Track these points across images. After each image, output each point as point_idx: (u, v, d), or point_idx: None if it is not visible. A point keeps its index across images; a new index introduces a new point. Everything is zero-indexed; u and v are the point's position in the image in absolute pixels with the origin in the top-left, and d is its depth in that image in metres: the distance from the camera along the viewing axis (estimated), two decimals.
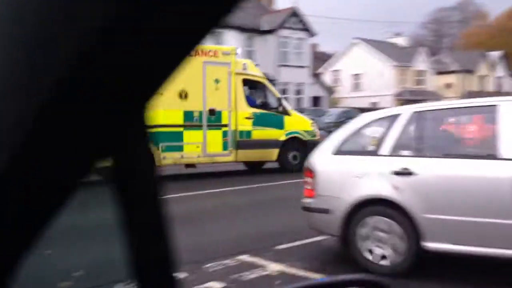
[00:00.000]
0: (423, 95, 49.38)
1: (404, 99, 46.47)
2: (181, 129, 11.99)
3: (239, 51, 13.44)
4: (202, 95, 12.30)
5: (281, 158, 13.49)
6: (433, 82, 53.51)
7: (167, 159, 11.70)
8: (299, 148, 13.50)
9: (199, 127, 12.28)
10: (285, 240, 6.26)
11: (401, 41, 57.14)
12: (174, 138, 11.79)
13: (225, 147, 12.73)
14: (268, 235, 6.57)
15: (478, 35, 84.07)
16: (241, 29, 32.40)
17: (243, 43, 32.18)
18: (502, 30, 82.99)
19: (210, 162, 12.91)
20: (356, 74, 48.86)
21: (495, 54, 61.43)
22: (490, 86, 60.39)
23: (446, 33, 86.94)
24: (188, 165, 12.78)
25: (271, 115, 13.47)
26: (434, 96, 51.61)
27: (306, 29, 35.21)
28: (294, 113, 14.30)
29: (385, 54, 48.50)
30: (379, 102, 42.01)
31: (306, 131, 13.99)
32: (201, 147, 12.36)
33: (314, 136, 14.01)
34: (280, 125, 13.54)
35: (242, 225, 7.21)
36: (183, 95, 11.89)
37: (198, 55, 11.77)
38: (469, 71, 54.57)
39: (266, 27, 33.74)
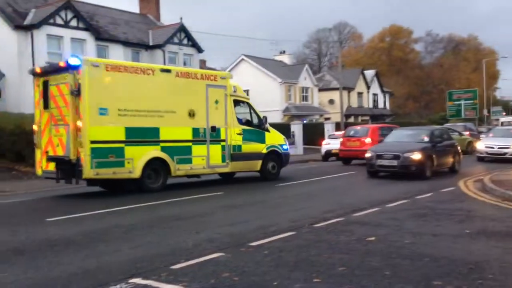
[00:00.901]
0: (309, 111, 51.52)
1: (292, 114, 48.14)
2: (190, 143, 13.56)
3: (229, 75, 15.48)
4: (206, 114, 13.99)
5: (262, 168, 15.63)
6: (318, 98, 56.11)
7: (180, 170, 13.29)
8: (276, 159, 16.04)
9: (204, 142, 13.94)
10: (181, 258, 5.91)
11: (286, 59, 59.31)
12: (185, 152, 13.41)
13: (223, 159, 14.46)
14: (164, 254, 6.18)
15: (354, 54, 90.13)
16: (128, 43, 31.46)
17: (130, 58, 31.22)
18: (374, 51, 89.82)
19: (212, 173, 14.75)
20: (244, 90, 49.58)
21: (370, 73, 66.12)
22: (368, 102, 64.77)
23: (326, 53, 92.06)
24: (190, 176, 14.38)
25: (256, 131, 15.60)
26: (319, 111, 54.11)
27: (193, 45, 35.11)
28: (272, 129, 16.41)
29: (271, 71, 49.93)
30: (267, 117, 42.78)
31: (281, 145, 16.37)
32: (206, 159, 13.99)
33: (287, 149, 16.72)
34: (262, 140, 15.72)
35: (136, 245, 6.70)
36: (191, 114, 13.59)
37: (203, 79, 14.01)
38: (348, 88, 58.06)
39: (153, 42, 33.10)
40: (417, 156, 14.90)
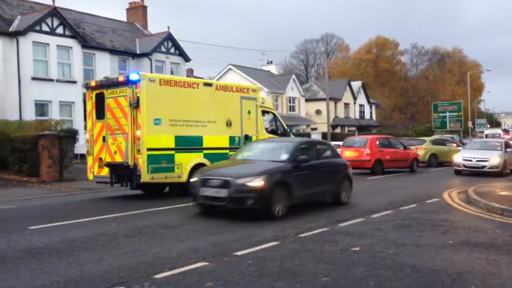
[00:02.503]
0: (296, 121, 51.72)
1: None
2: (228, 151, 14.35)
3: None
4: (240, 124, 15.15)
5: None
6: (304, 109, 56.37)
7: None
8: None
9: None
10: (165, 268, 5.87)
11: (273, 69, 59.60)
12: (224, 158, 13.72)
13: None
14: (146, 263, 6.13)
15: (340, 65, 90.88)
16: (115, 51, 31.36)
17: (117, 66, 31.13)
18: (361, 62, 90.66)
19: None
20: None
21: (357, 84, 66.68)
22: (354, 113, 65.23)
23: (313, 63, 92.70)
24: None
25: None
26: (306, 121, 54.34)
27: (180, 54, 35.10)
28: (293, 137, 17.54)
29: (258, 81, 50.10)
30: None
31: None
32: None
33: None
34: None
35: (120, 253, 6.64)
36: (229, 124, 14.78)
37: (237, 91, 15.24)
38: (335, 99, 58.44)
39: (140, 50, 33.04)
40: (257, 183, 9.49)
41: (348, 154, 22.14)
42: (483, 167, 20.31)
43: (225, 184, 9.60)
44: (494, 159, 20.39)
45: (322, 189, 11.28)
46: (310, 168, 10.80)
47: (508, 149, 21.80)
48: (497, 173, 19.88)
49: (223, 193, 9.57)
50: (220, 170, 10.45)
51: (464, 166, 20.76)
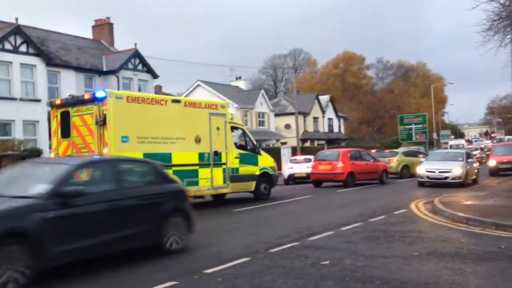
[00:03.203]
0: (266, 135, 51.90)
1: None
2: (197, 167, 14.60)
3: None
4: (209, 140, 15.07)
5: (256, 189, 16.86)
6: (274, 123, 56.64)
7: (189, 192, 13.36)
8: (267, 181, 17.35)
9: (208, 165, 14.98)
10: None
11: (242, 84, 59.80)
12: (193, 175, 14.43)
13: (224, 181, 15.52)
14: (117, 284, 5.99)
15: (308, 80, 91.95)
16: (80, 69, 30.96)
17: (83, 83, 30.69)
18: (328, 76, 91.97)
19: (215, 193, 15.92)
20: None
21: (325, 98, 67.51)
22: (323, 127, 65.91)
23: (282, 78, 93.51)
24: (195, 198, 14.85)
25: (250, 155, 16.84)
26: (275, 136, 54.59)
27: (148, 70, 34.90)
28: (263, 153, 17.82)
29: (227, 97, 50.17)
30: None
31: (271, 167, 17.65)
32: (210, 181, 15.01)
33: (275, 171, 18.02)
34: (256, 163, 16.96)
35: (85, 275, 6.47)
36: (198, 140, 14.68)
37: (206, 108, 15.18)
38: (304, 113, 58.96)
39: (107, 68, 32.70)
40: None
41: (321, 167, 22.77)
42: (446, 178, 20.19)
43: None
44: (456, 170, 20.29)
45: (121, 235, 7.20)
46: (94, 203, 6.95)
47: (469, 160, 21.94)
48: (459, 184, 19.82)
49: None
50: None
51: (428, 177, 20.61)
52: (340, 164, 22.10)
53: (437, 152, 27.09)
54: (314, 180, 23.30)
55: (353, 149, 25.79)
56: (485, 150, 47.98)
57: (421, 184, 20.88)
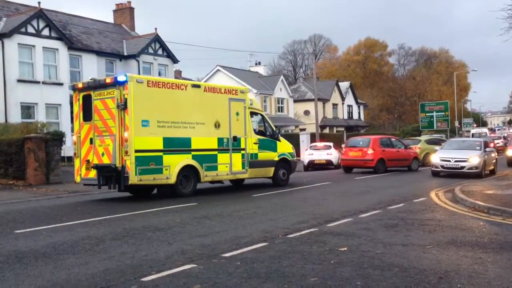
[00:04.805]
0: (285, 121, 51.78)
1: None
2: (216, 152, 14.72)
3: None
4: (228, 125, 15.17)
5: (274, 174, 16.97)
6: (293, 109, 56.45)
7: (207, 176, 14.54)
8: (286, 167, 17.43)
9: (227, 150, 15.10)
10: (152, 270, 5.84)
11: (261, 70, 59.61)
12: (212, 160, 14.60)
13: (243, 166, 15.65)
14: (134, 266, 6.09)
15: (329, 66, 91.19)
16: (102, 53, 31.20)
17: (104, 67, 30.95)
18: (349, 63, 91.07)
19: (234, 178, 16.03)
20: None
21: (345, 84, 66.93)
22: (342, 114, 65.45)
23: (301, 64, 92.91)
24: (214, 182, 15.71)
25: (269, 140, 16.93)
26: (294, 122, 54.43)
27: (168, 55, 34.99)
28: (282, 139, 17.86)
29: (247, 82, 50.09)
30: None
31: (290, 153, 17.73)
32: (229, 166, 15.17)
33: (294, 157, 18.12)
34: (274, 149, 17.07)
35: (107, 256, 6.59)
36: (217, 125, 14.78)
37: (226, 93, 15.23)
38: (323, 100, 58.60)
39: (127, 52, 32.88)
40: None
41: (351, 154, 23.38)
42: (462, 167, 19.22)
43: None
44: (473, 159, 19.25)
45: None
46: None
47: (487, 149, 20.88)
48: (476, 174, 18.87)
49: None
50: None
51: (442, 167, 19.65)
52: (370, 151, 22.53)
53: (453, 140, 25.72)
54: (345, 166, 23.89)
55: (384, 136, 26.04)
56: (508, 139, 47.25)
57: (435, 174, 19.90)
